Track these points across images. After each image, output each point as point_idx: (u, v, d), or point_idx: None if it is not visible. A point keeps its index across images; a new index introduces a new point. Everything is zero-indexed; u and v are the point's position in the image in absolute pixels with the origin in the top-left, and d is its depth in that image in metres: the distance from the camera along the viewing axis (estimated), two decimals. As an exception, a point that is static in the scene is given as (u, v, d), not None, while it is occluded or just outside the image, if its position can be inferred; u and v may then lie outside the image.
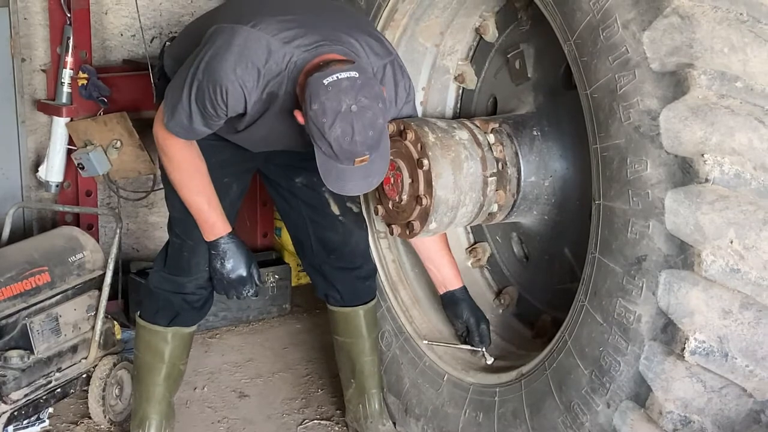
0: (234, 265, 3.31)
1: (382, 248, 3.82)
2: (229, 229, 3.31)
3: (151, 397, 3.57)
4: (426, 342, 3.60)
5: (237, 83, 2.92)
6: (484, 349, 3.47)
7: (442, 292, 3.53)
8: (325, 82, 2.76)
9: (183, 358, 3.59)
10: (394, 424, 3.76)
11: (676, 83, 2.55)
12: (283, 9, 3.07)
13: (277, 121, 3.04)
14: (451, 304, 3.51)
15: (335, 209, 3.56)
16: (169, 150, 3.18)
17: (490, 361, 3.48)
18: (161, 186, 3.61)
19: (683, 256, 2.56)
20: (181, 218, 3.38)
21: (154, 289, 3.48)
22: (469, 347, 3.52)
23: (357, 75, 2.78)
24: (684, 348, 2.58)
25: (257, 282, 3.37)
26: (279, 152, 3.40)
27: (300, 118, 2.85)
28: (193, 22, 3.51)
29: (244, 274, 3.33)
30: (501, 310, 3.71)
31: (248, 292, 3.36)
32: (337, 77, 2.76)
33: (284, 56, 2.93)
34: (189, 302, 3.45)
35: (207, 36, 3.01)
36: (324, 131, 2.75)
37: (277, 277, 4.94)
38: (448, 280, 3.50)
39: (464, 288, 3.51)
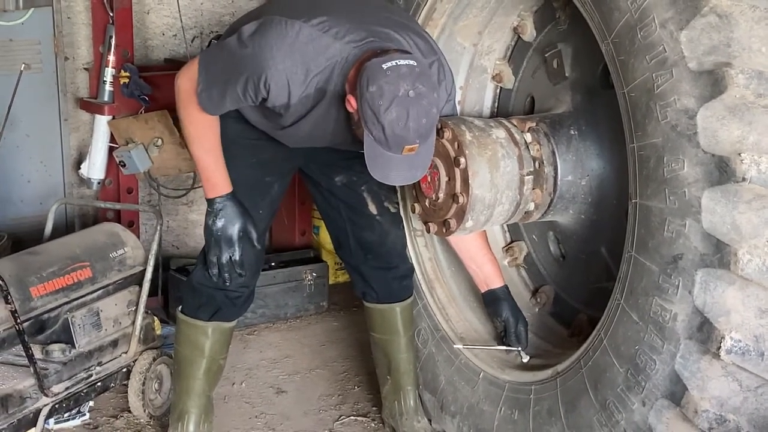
0: (225, 223, 3.29)
1: (419, 246, 3.84)
2: (230, 190, 3.30)
3: (191, 391, 3.60)
4: (460, 346, 3.60)
5: (284, 75, 2.95)
6: (520, 349, 3.48)
7: (483, 291, 3.54)
8: (385, 66, 2.79)
9: (223, 353, 3.62)
10: (430, 421, 3.78)
11: (713, 82, 2.55)
12: (330, 6, 3.09)
13: (324, 118, 3.07)
14: (492, 302, 3.53)
15: (373, 209, 3.58)
16: (189, 105, 3.20)
17: (525, 359, 3.48)
18: (201, 184, 3.64)
19: (720, 254, 2.56)
20: None
21: (197, 285, 3.51)
22: (504, 347, 3.52)
23: (415, 63, 2.82)
24: (720, 347, 2.58)
25: (254, 242, 3.35)
26: (320, 152, 3.42)
27: (352, 104, 2.88)
28: (236, 22, 3.53)
29: (233, 234, 3.30)
30: (537, 309, 3.72)
31: (233, 254, 3.31)
32: (397, 63, 2.79)
33: (335, 52, 2.96)
34: (231, 298, 3.48)
35: (260, 22, 3.03)
36: (379, 114, 2.77)
37: (314, 274, 4.97)
38: (490, 278, 3.52)
39: (506, 287, 3.53)
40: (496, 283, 3.52)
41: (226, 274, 3.34)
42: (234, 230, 3.31)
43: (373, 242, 3.62)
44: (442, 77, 3.15)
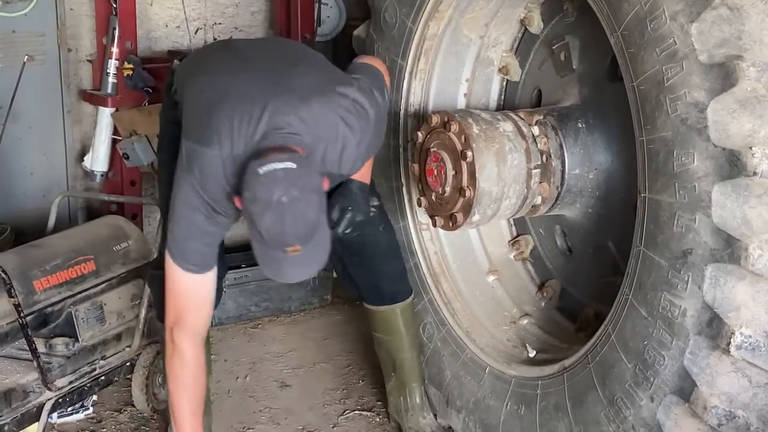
0: None
1: (425, 240, 3.82)
2: None
3: None
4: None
5: (209, 208, 2.94)
6: None
7: None
8: (260, 171, 2.71)
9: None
10: (435, 415, 3.76)
11: (724, 75, 2.52)
12: (228, 94, 2.96)
13: None
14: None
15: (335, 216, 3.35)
16: (180, 351, 3.14)
17: (532, 354, 3.47)
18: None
19: (730, 249, 2.54)
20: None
21: (153, 290, 3.51)
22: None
23: (294, 165, 2.72)
24: (730, 342, 2.56)
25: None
26: None
27: (238, 203, 2.83)
28: (196, 55, 3.50)
29: None
30: (543, 303, 3.70)
31: None
32: (273, 167, 2.70)
33: (233, 162, 2.87)
34: None
35: (178, 161, 3.00)
36: (255, 221, 2.70)
37: (318, 268, 4.94)
38: None
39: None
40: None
41: None
42: None
43: (352, 250, 3.55)
44: (348, 140, 2.98)
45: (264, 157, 2.76)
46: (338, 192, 3.26)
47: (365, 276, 3.62)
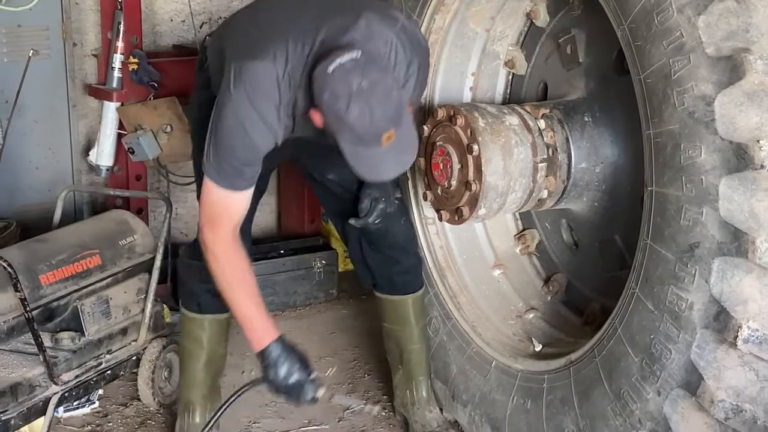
0: (287, 370, 3.03)
1: (430, 234, 3.81)
2: (277, 334, 3.08)
3: (194, 382, 3.59)
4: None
5: (260, 122, 2.90)
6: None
7: None
8: (329, 69, 2.71)
9: (222, 344, 3.60)
10: (441, 410, 3.76)
11: (731, 68, 2.52)
12: (275, 18, 3.00)
13: (308, 133, 3.01)
14: None
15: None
16: (216, 249, 3.06)
17: (538, 348, 3.46)
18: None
19: (737, 243, 2.53)
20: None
21: (181, 277, 3.52)
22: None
23: (358, 55, 2.73)
24: (737, 336, 2.56)
25: (317, 385, 3.10)
26: (311, 146, 3.34)
27: (317, 118, 2.80)
28: (224, 24, 3.48)
29: (300, 378, 3.04)
30: (549, 297, 3.69)
31: (308, 396, 3.06)
32: (340, 62, 2.71)
33: (289, 77, 2.88)
34: (211, 291, 3.32)
35: (222, 81, 2.96)
36: (342, 117, 2.68)
37: (324, 262, 4.95)
38: None
39: None
40: None
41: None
42: (300, 374, 3.04)
43: (371, 238, 3.57)
44: (415, 37, 3.03)
45: (326, 59, 2.75)
46: (368, 182, 3.31)
47: (381, 265, 3.62)
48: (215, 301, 3.41)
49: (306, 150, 3.37)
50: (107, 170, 4.70)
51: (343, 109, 2.66)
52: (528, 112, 3.37)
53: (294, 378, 3.04)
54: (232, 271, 3.08)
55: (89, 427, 3.81)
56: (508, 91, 3.81)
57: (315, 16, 2.93)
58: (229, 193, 3.01)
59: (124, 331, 3.79)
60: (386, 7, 3.10)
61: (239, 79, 2.88)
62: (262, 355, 3.05)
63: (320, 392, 3.07)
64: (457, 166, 3.31)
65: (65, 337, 3.58)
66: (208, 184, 3.01)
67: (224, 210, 3.04)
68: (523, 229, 3.82)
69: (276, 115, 2.90)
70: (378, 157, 2.74)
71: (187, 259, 3.51)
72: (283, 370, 3.03)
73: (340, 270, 5.06)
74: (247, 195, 3.05)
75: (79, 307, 3.60)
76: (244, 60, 2.90)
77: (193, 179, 4.85)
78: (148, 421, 3.86)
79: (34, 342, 3.38)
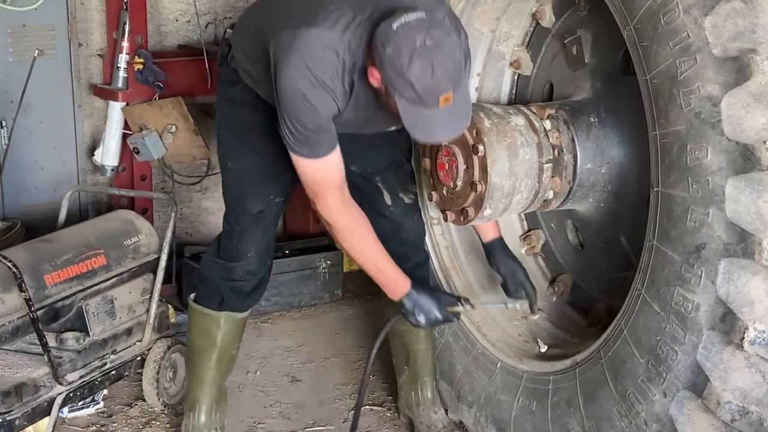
0: (427, 314, 3.31)
1: (435, 235, 3.81)
2: (409, 282, 3.31)
3: (202, 381, 3.58)
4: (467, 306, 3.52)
5: (320, 88, 2.90)
6: (527, 303, 3.49)
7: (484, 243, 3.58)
8: (394, 26, 2.71)
9: (235, 343, 3.60)
10: (446, 411, 3.76)
11: (738, 69, 2.51)
12: None
13: (362, 103, 3.00)
14: (489, 254, 3.55)
15: (387, 199, 3.52)
16: (331, 219, 3.17)
17: (543, 348, 3.45)
18: (216, 171, 3.60)
19: (743, 244, 2.52)
20: (231, 205, 3.41)
21: (206, 274, 3.50)
22: (512, 301, 3.50)
23: (423, 15, 2.73)
24: (743, 338, 2.55)
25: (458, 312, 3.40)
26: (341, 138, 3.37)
27: (375, 77, 2.80)
28: (252, 8, 3.46)
29: (439, 316, 3.33)
30: (555, 298, 3.69)
31: (450, 321, 3.40)
32: (405, 19, 2.72)
33: (348, 43, 2.88)
34: (235, 289, 3.45)
35: (272, 54, 2.95)
36: (404, 72, 2.69)
37: (329, 262, 4.95)
38: (482, 231, 3.54)
39: (499, 238, 3.53)
40: (490, 236, 3.52)
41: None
42: (436, 315, 3.33)
43: (385, 232, 3.56)
44: (459, 25, 3.00)
45: (391, 16, 2.76)
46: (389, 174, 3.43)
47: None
48: (238, 299, 3.49)
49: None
50: (112, 170, 4.70)
51: (405, 65, 2.68)
52: (534, 113, 3.37)
53: (432, 317, 3.32)
54: (353, 235, 3.23)
55: (94, 428, 3.81)
56: (514, 91, 3.80)
57: None
58: (316, 161, 3.05)
59: (128, 332, 3.79)
60: None
61: (292, 49, 2.89)
62: (402, 304, 3.32)
63: (459, 310, 3.40)
64: (462, 167, 3.31)
65: (70, 337, 3.58)
66: (296, 159, 3.06)
67: (321, 178, 3.10)
68: (529, 230, 3.81)
69: (335, 77, 2.91)
70: (433, 118, 2.76)
71: (212, 257, 3.49)
72: (422, 318, 3.32)
73: (345, 270, 5.05)
74: (335, 156, 3.08)
75: (83, 307, 3.60)
76: (296, 29, 2.90)
77: (197, 180, 4.91)
78: (153, 422, 3.86)
79: (38, 342, 3.38)
